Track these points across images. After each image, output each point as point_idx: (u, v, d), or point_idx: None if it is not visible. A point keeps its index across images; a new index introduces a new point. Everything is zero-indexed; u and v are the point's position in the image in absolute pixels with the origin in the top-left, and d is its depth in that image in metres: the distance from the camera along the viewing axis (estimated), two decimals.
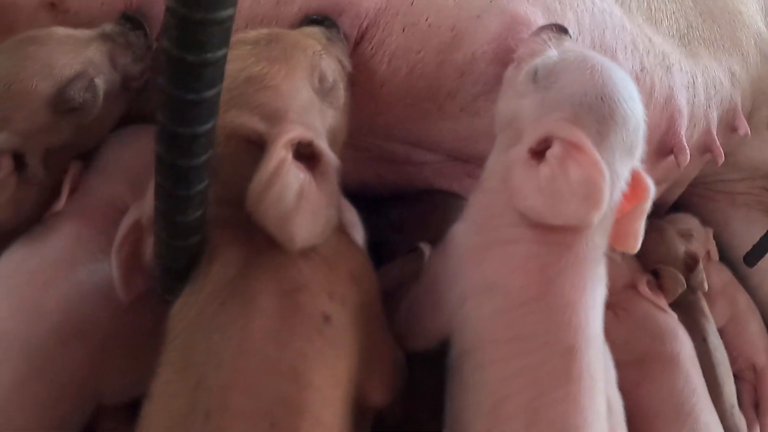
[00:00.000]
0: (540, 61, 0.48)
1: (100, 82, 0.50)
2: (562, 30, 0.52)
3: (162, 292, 0.41)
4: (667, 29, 0.66)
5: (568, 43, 0.51)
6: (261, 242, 0.39)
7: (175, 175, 0.35)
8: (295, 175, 0.39)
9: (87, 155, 0.53)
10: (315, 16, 0.52)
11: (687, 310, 0.63)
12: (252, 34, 0.45)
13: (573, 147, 0.42)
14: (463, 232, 0.47)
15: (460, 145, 0.60)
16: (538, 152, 0.43)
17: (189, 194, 0.35)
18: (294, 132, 0.40)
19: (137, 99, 0.57)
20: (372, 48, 0.52)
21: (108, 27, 0.53)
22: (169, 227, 0.37)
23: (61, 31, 0.51)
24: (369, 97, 0.55)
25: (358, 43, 0.53)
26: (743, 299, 0.75)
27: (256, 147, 0.41)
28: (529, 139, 0.43)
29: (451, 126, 0.57)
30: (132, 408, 0.46)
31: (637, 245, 0.47)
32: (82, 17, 0.58)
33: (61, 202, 0.49)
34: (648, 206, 0.47)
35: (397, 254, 0.58)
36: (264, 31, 0.47)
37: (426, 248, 0.54)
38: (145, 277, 0.48)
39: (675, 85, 0.61)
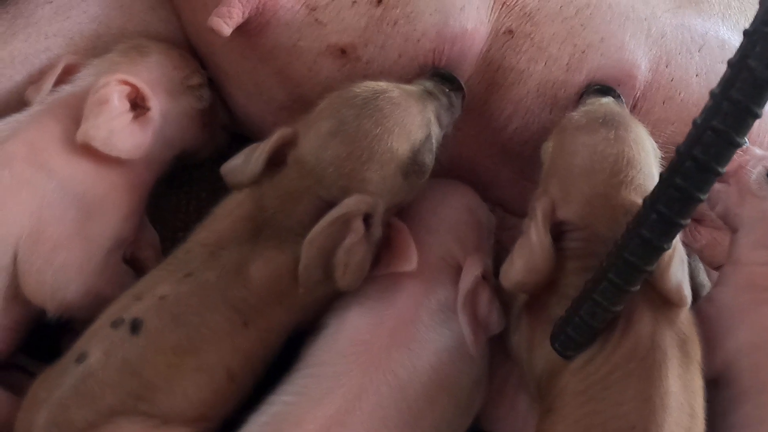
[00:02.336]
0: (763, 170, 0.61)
1: (435, 144, 0.54)
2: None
3: (566, 349, 0.48)
4: None
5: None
6: (660, 303, 0.48)
7: (651, 255, 0.42)
8: (683, 250, 0.48)
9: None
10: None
11: None
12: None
13: None
14: (730, 295, 0.59)
15: None
16: None
17: (650, 270, 0.43)
18: None
19: None
20: (639, 118, 0.61)
21: (428, 85, 0.56)
22: (617, 295, 0.45)
23: (397, 88, 0.53)
24: None
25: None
26: None
27: None
28: None
29: None
30: None
31: None
32: (373, 67, 0.61)
33: (413, 263, 0.51)
34: None
35: None
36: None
37: None
38: (484, 330, 0.54)
39: None
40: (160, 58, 0.60)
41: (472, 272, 0.54)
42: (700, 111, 0.64)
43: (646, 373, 0.47)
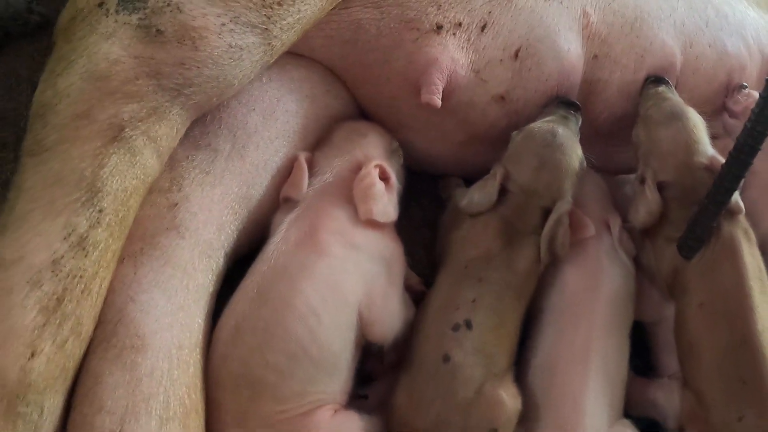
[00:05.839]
0: None
1: None
2: None
3: (690, 253, 0.86)
4: None
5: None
6: (728, 215, 0.87)
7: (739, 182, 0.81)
8: None
9: None
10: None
11: None
12: None
13: None
14: (755, 194, 1.01)
15: None
16: None
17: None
18: None
19: None
20: (680, 89, 0.98)
21: (562, 112, 0.87)
22: (720, 209, 0.83)
23: (558, 125, 0.86)
24: None
25: None
26: None
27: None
28: None
29: None
30: None
31: None
32: (520, 103, 0.94)
33: (593, 229, 0.88)
34: None
35: None
36: None
37: None
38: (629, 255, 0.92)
39: None
40: (374, 136, 0.87)
41: (617, 223, 0.93)
42: (714, 71, 1.04)
43: (732, 255, 0.87)
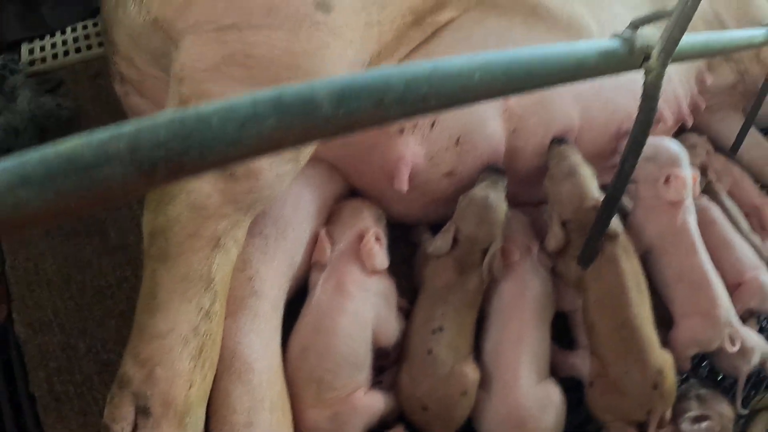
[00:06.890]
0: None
1: None
2: None
3: (586, 264, 1.30)
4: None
5: None
6: (610, 237, 1.31)
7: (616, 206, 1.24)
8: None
9: None
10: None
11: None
12: None
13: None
14: (640, 214, 1.48)
15: None
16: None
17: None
18: None
19: None
20: (578, 144, 1.41)
21: (493, 178, 1.30)
22: (604, 231, 1.25)
23: (490, 191, 1.27)
24: None
25: None
26: (736, 169, 1.68)
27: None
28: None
29: None
30: None
31: None
32: (463, 174, 1.37)
33: (518, 255, 1.30)
34: None
35: None
36: None
37: None
38: (546, 266, 1.36)
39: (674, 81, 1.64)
40: (367, 211, 1.31)
41: (535, 247, 1.40)
42: (607, 126, 1.46)
43: (613, 265, 1.31)
